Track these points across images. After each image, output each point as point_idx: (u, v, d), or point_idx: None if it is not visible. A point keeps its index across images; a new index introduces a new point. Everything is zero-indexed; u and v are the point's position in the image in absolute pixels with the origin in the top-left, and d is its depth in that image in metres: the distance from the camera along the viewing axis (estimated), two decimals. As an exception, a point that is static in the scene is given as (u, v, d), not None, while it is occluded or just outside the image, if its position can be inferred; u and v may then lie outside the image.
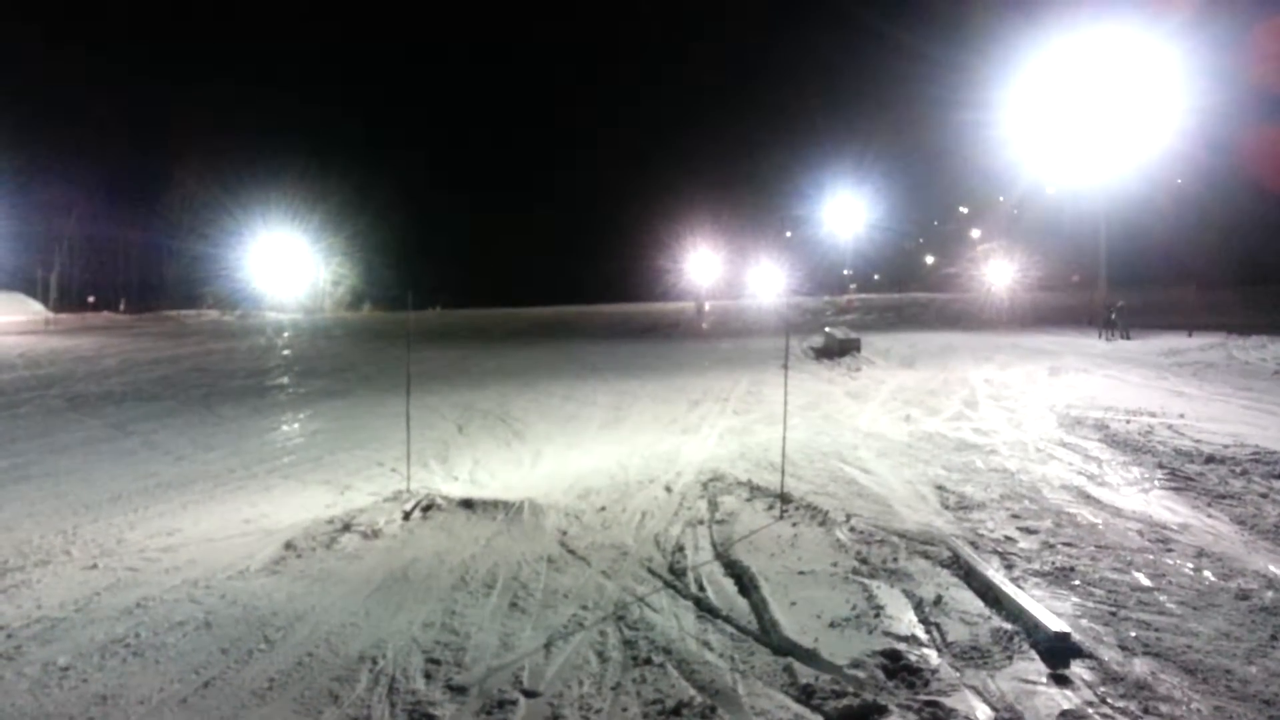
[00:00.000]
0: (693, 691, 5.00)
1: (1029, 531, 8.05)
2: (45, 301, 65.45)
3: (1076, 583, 6.65)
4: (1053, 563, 7.12)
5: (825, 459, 11.67)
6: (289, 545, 8.32)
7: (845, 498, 9.47)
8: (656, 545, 8.10)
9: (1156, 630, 5.71)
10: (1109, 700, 4.75)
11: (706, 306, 57.61)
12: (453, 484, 11.36)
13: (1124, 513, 8.63)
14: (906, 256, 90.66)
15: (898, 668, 5.18)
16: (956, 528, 8.16)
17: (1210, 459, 10.86)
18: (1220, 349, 24.68)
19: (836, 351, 26.91)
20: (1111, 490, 9.60)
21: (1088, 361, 23.55)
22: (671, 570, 7.36)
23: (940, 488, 9.87)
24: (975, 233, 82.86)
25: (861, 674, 5.10)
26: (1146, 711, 4.62)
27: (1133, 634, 5.64)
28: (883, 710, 4.63)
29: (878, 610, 6.06)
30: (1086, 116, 39.66)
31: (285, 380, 24.80)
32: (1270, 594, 6.35)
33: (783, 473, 9.94)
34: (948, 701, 4.73)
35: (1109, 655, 5.30)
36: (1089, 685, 4.94)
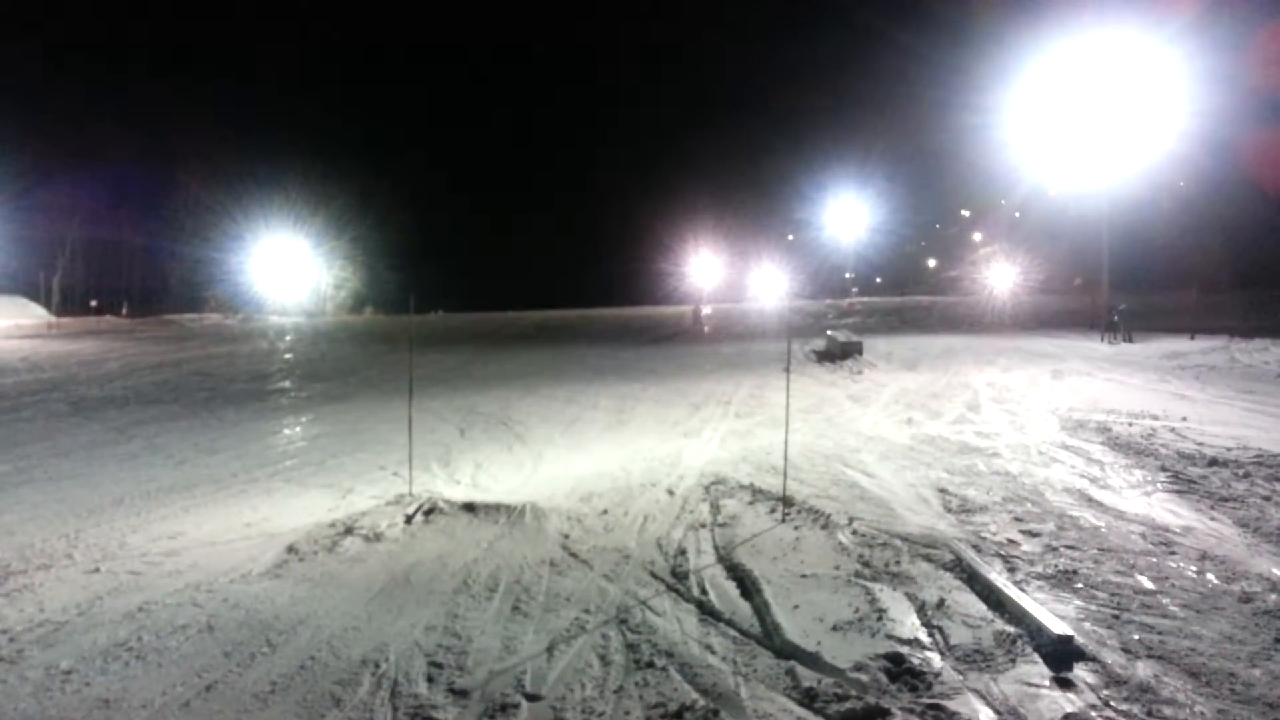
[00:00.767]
0: (695, 695, 5.00)
1: (1032, 534, 8.04)
2: (48, 305, 65.49)
3: (1079, 586, 6.64)
4: (1055, 566, 7.11)
5: (827, 462, 11.66)
6: (291, 549, 8.32)
7: (847, 501, 9.46)
8: (659, 548, 8.10)
9: (1160, 633, 5.70)
10: (1112, 703, 4.75)
11: (707, 310, 57.57)
12: (455, 487, 11.36)
13: (1127, 516, 8.62)
14: (908, 259, 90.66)
15: (900, 671, 5.17)
16: (959, 531, 8.15)
17: (1213, 462, 10.85)
18: (1223, 352, 24.67)
19: (838, 354, 26.88)
20: (1114, 493, 9.59)
21: (1090, 364, 23.53)
22: (674, 573, 7.35)
23: (943, 491, 9.87)
24: (977, 236, 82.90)
25: (864, 677, 5.10)
26: (1150, 714, 4.61)
27: (1136, 637, 5.63)
28: (885, 713, 4.63)
29: (880, 613, 6.06)
30: (1088, 119, 39.67)
31: (287, 384, 24.81)
32: (1274, 597, 6.34)
33: (785, 476, 9.94)
34: (950, 705, 4.73)
35: (1112, 658, 5.29)
36: (1092, 688, 4.93)
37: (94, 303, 71.35)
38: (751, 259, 72.24)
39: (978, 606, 6.24)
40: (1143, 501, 9.20)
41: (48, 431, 16.49)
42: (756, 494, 9.93)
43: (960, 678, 5.09)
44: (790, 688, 5.07)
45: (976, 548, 7.57)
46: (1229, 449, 11.58)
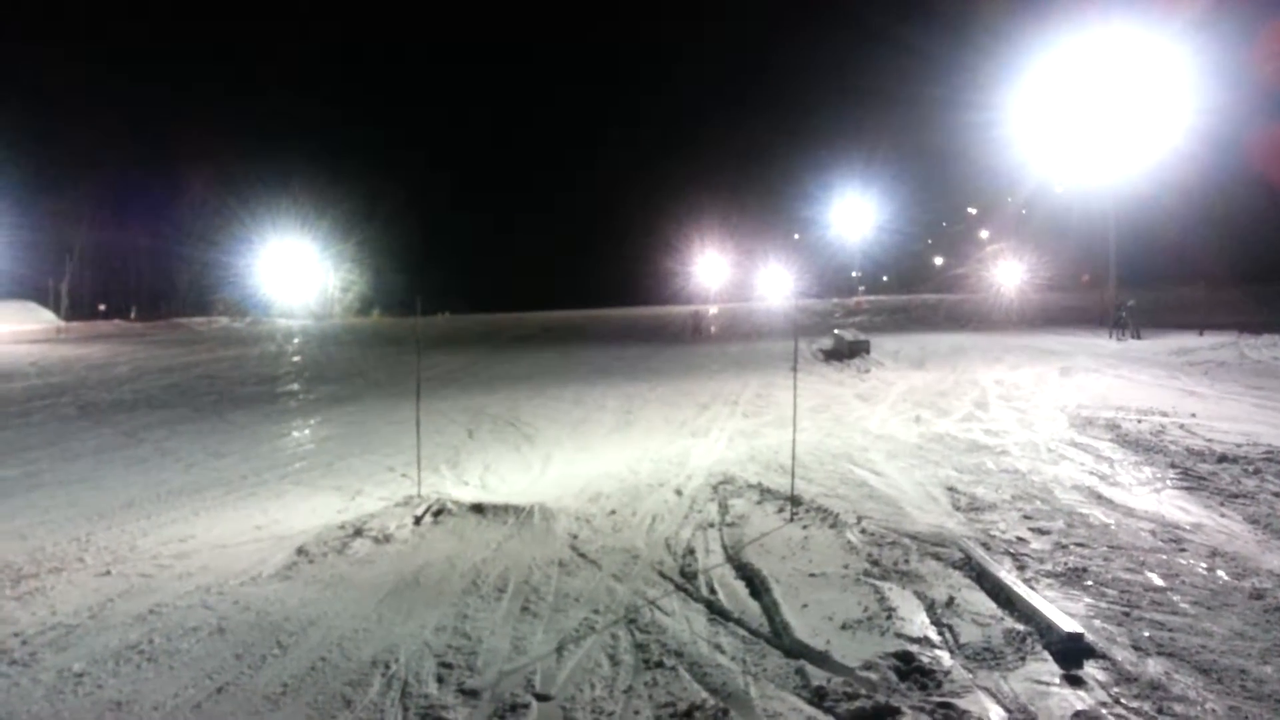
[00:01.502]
0: (705, 694, 5.00)
1: (1041, 532, 8.02)
2: (56, 310, 65.77)
3: (1089, 583, 6.63)
4: (1065, 563, 7.10)
5: (835, 461, 11.65)
6: (301, 551, 8.35)
7: (856, 500, 9.45)
8: (667, 548, 8.10)
9: (1170, 630, 5.68)
10: (1123, 701, 4.74)
11: (713, 309, 57.46)
12: (463, 489, 11.38)
13: (1136, 513, 8.59)
14: (915, 258, 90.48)
15: (910, 669, 5.17)
16: (968, 529, 8.14)
17: (1223, 458, 10.81)
18: (1232, 348, 24.58)
19: (846, 353, 26.87)
20: (1124, 490, 9.56)
21: (1098, 361, 23.46)
22: (682, 573, 7.36)
23: (951, 489, 9.85)
24: (984, 233, 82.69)
25: (874, 676, 5.09)
26: (1161, 712, 4.60)
27: (1146, 634, 5.62)
28: (895, 712, 4.62)
29: (889, 612, 6.05)
30: (1095, 116, 39.56)
31: (295, 386, 24.88)
32: (1285, 593, 6.32)
33: (793, 475, 9.93)
34: (960, 703, 4.72)
35: (1122, 655, 5.28)
36: (1102, 686, 4.92)
37: (102, 307, 71.67)
38: (758, 258, 72.26)
39: (987, 604, 6.23)
40: (1152, 498, 9.17)
41: (57, 436, 16.56)
42: (765, 493, 9.93)
43: (970, 676, 5.09)
44: (800, 686, 5.07)
45: (985, 546, 7.56)
46: (1239, 445, 11.54)
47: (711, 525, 8.80)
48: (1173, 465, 10.62)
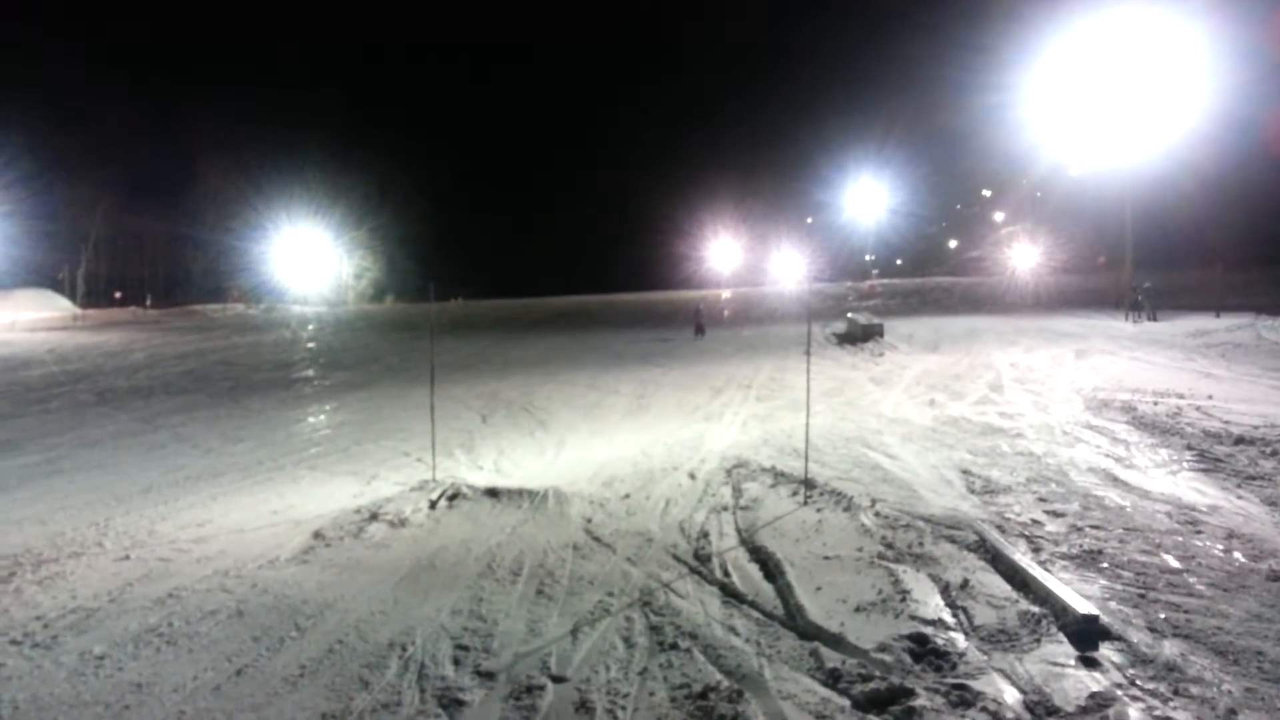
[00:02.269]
0: (719, 676, 5.02)
1: (1056, 515, 8.00)
2: (73, 298, 66.22)
3: (1105, 565, 6.61)
4: (1080, 545, 7.08)
5: (849, 444, 11.64)
6: (318, 535, 8.42)
7: (870, 483, 9.45)
8: (681, 532, 8.12)
9: (1186, 612, 5.67)
10: (1138, 682, 4.73)
11: (726, 294, 57.30)
12: (478, 473, 11.43)
13: (1152, 495, 8.56)
14: (929, 241, 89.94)
15: (924, 651, 5.17)
16: (983, 512, 8.13)
17: (1239, 440, 10.74)
18: (1249, 329, 24.38)
19: (859, 337, 26.79)
20: (1139, 472, 9.52)
21: (1114, 344, 23.33)
22: (696, 556, 7.38)
23: (966, 472, 9.83)
24: (998, 216, 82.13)
25: (888, 658, 5.10)
26: (1177, 693, 4.59)
27: (1162, 616, 5.61)
28: (910, 693, 4.63)
29: (904, 594, 6.05)
30: (1110, 96, 39.18)
31: (311, 373, 25.00)
32: (1302, 575, 6.29)
33: (806, 458, 9.93)
34: (975, 684, 4.73)
35: (1138, 637, 5.27)
36: (1118, 667, 4.91)
37: (118, 294, 72.10)
38: (771, 242, 72.03)
39: (1002, 587, 6.22)
40: (1168, 480, 9.13)
41: (76, 422, 16.70)
42: (778, 477, 9.93)
43: (985, 658, 5.09)
44: (814, 669, 5.09)
45: (1000, 528, 7.55)
46: (1256, 427, 11.46)
47: (725, 509, 8.81)
48: (1189, 447, 10.56)
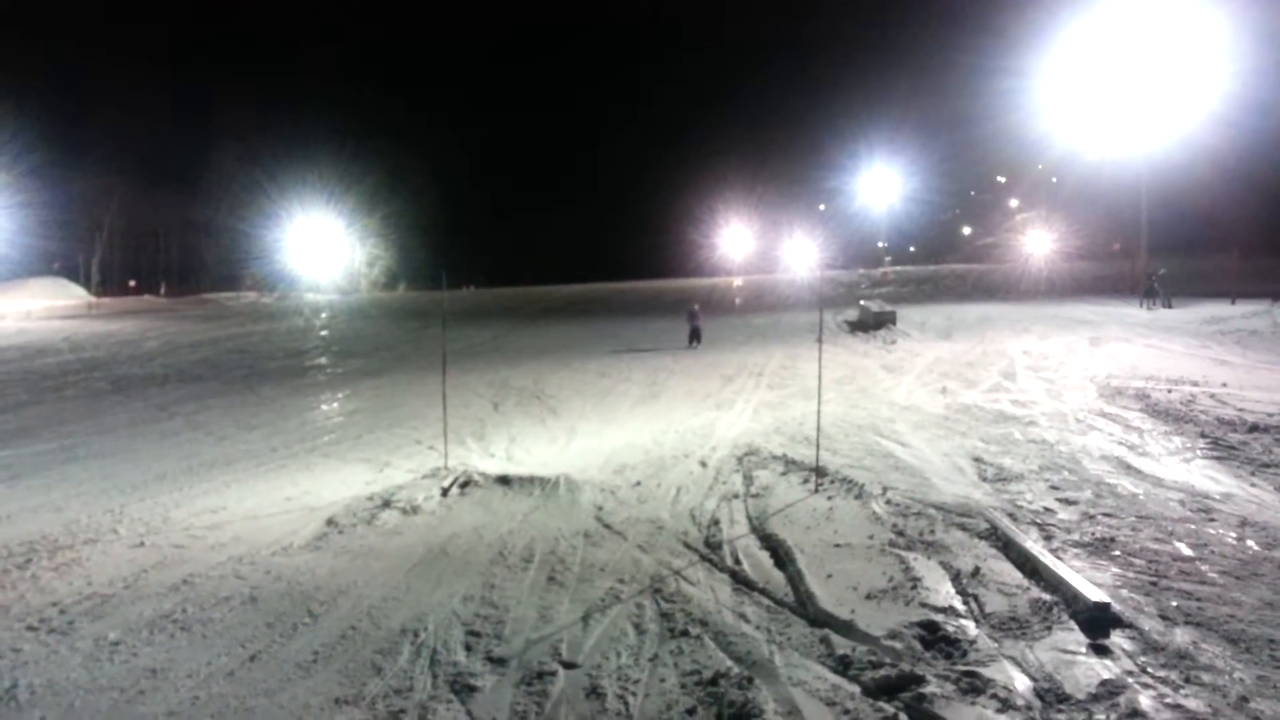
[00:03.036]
0: (730, 663, 5.04)
1: (1068, 503, 7.98)
2: (87, 286, 66.58)
3: (1117, 553, 6.59)
4: (1092, 533, 7.06)
5: (861, 432, 11.63)
6: (331, 522, 8.47)
7: (881, 471, 9.44)
8: (692, 519, 8.14)
9: (1198, 600, 5.65)
10: (1149, 670, 4.72)
11: (738, 282, 57.21)
12: (489, 461, 11.47)
13: (1165, 483, 8.52)
14: (942, 227, 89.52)
15: (935, 638, 5.17)
16: (994, 499, 8.11)
17: (1254, 428, 10.68)
18: (1264, 316, 24.16)
19: (871, 325, 26.72)
20: (1153, 460, 9.48)
21: (1129, 331, 23.19)
22: (707, 544, 7.39)
23: (978, 460, 9.81)
24: (1013, 202, 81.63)
25: (898, 645, 5.11)
26: (1188, 681, 4.58)
27: (1174, 604, 5.59)
28: (920, 680, 4.63)
29: (914, 582, 6.05)
30: (1126, 81, 38.84)
31: (324, 360, 25.10)
32: (1316, 563, 6.26)
33: (818, 446, 9.92)
34: (986, 672, 4.72)
35: (1150, 625, 5.26)
36: (1129, 655, 4.90)
37: (132, 282, 72.45)
38: (783, 229, 71.80)
39: (1013, 574, 6.21)
40: (1182, 468, 9.09)
41: (90, 410, 16.82)
42: (789, 465, 9.93)
43: (995, 645, 5.09)
44: (825, 655, 5.10)
45: (1012, 516, 7.53)
46: (1270, 414, 11.39)
47: (736, 496, 8.82)
48: (1203, 435, 10.51)
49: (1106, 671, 4.71)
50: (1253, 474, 8.75)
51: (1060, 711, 4.35)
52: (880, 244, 79.03)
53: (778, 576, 6.50)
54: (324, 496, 9.73)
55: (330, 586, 6.68)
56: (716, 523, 7.93)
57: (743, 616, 5.77)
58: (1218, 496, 7.98)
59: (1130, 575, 6.13)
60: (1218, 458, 9.46)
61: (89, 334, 33.26)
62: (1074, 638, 5.15)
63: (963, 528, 7.30)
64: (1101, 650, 4.97)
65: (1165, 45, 36.73)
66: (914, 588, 5.96)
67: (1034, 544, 6.69)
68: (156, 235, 77.54)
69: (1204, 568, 6.23)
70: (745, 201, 74.06)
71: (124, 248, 75.16)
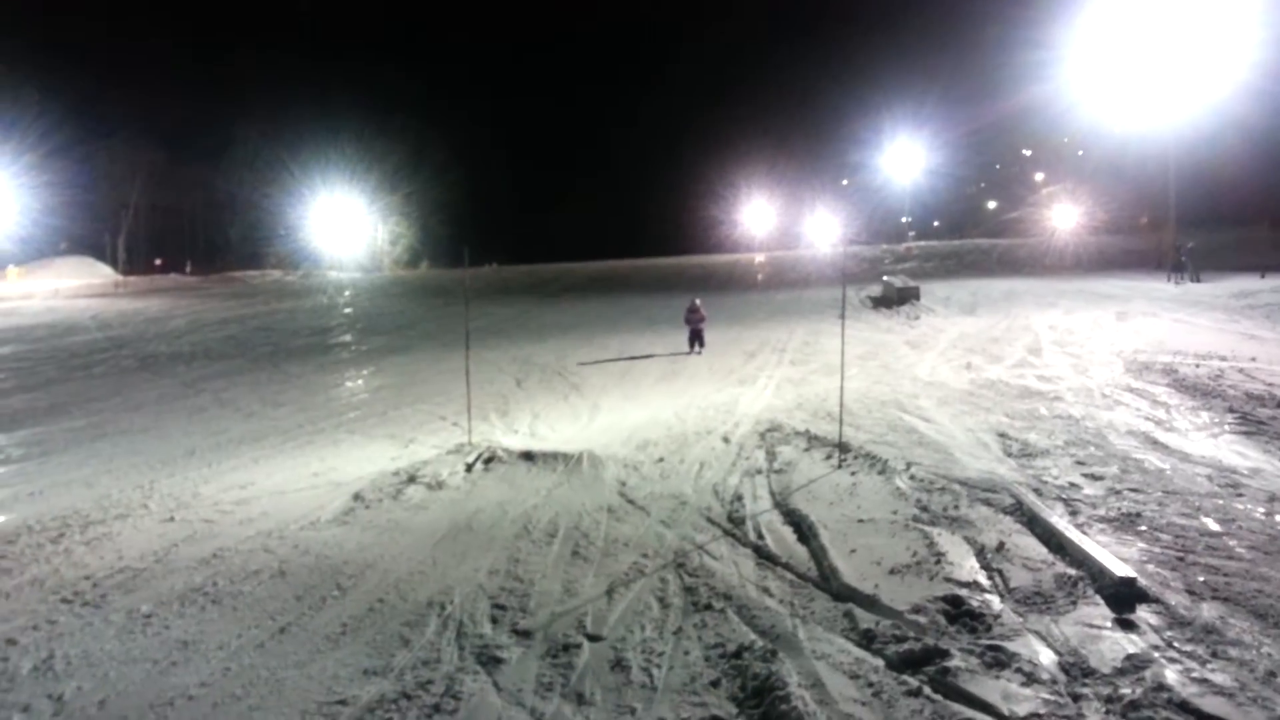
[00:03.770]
0: (753, 636, 5.06)
1: (1094, 478, 7.93)
2: (114, 264, 67.13)
3: (1143, 528, 6.56)
4: (1118, 509, 7.02)
5: (884, 408, 11.59)
6: (357, 497, 8.56)
7: (905, 446, 9.41)
8: (715, 495, 8.16)
9: (1226, 575, 5.61)
10: (1175, 644, 4.71)
11: (759, 258, 56.94)
12: (513, 437, 11.53)
13: (1192, 458, 8.45)
14: (967, 202, 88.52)
15: (959, 613, 5.18)
16: (1019, 475, 8.08)
17: (1284, 403, 10.55)
18: (1296, 290, 23.83)
19: (895, 300, 26.56)
20: (1180, 435, 9.40)
21: (1156, 305, 22.93)
22: (730, 519, 7.41)
23: (1003, 435, 9.76)
24: (1039, 175, 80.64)
25: (922, 619, 5.11)
26: (1215, 655, 4.57)
27: (1201, 579, 5.56)
28: (944, 654, 4.64)
29: (939, 557, 6.05)
30: (1153, 50, 38.17)
31: (348, 338, 25.25)
32: (1346, 539, 6.20)
33: (840, 422, 9.90)
34: (1010, 646, 4.73)
35: (1176, 600, 5.24)
36: (1155, 629, 4.89)
37: (159, 261, 72.99)
38: (805, 205, 71.31)
39: (1038, 550, 6.20)
40: (1209, 443, 9.01)
41: (119, 387, 17.02)
42: (812, 440, 9.92)
43: (1020, 619, 5.08)
44: (848, 629, 5.11)
45: (1037, 491, 7.50)
46: (1302, 389, 11.25)
47: (759, 472, 8.83)
48: (1231, 410, 10.40)
49: (1132, 646, 4.70)
50: (1282, 449, 8.65)
51: (1085, 685, 4.34)
52: (904, 219, 78.37)
53: (801, 551, 6.52)
54: (350, 472, 9.83)
55: (358, 560, 6.76)
56: (739, 498, 7.95)
57: (766, 591, 5.79)
58: (1245, 472, 7.91)
59: (1156, 550, 6.10)
60: (1246, 433, 9.37)
61: (116, 312, 33.58)
62: (1099, 612, 5.14)
63: (987, 503, 7.28)
64: (1127, 625, 4.96)
65: (1193, 13, 36.04)
66: (938, 563, 5.95)
67: (1059, 519, 6.67)
68: (182, 214, 78.04)
69: (1231, 543, 6.18)
70: (767, 177, 73.53)
71: (149, 226, 75.69)
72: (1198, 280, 29.08)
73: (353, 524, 7.78)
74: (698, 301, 19.97)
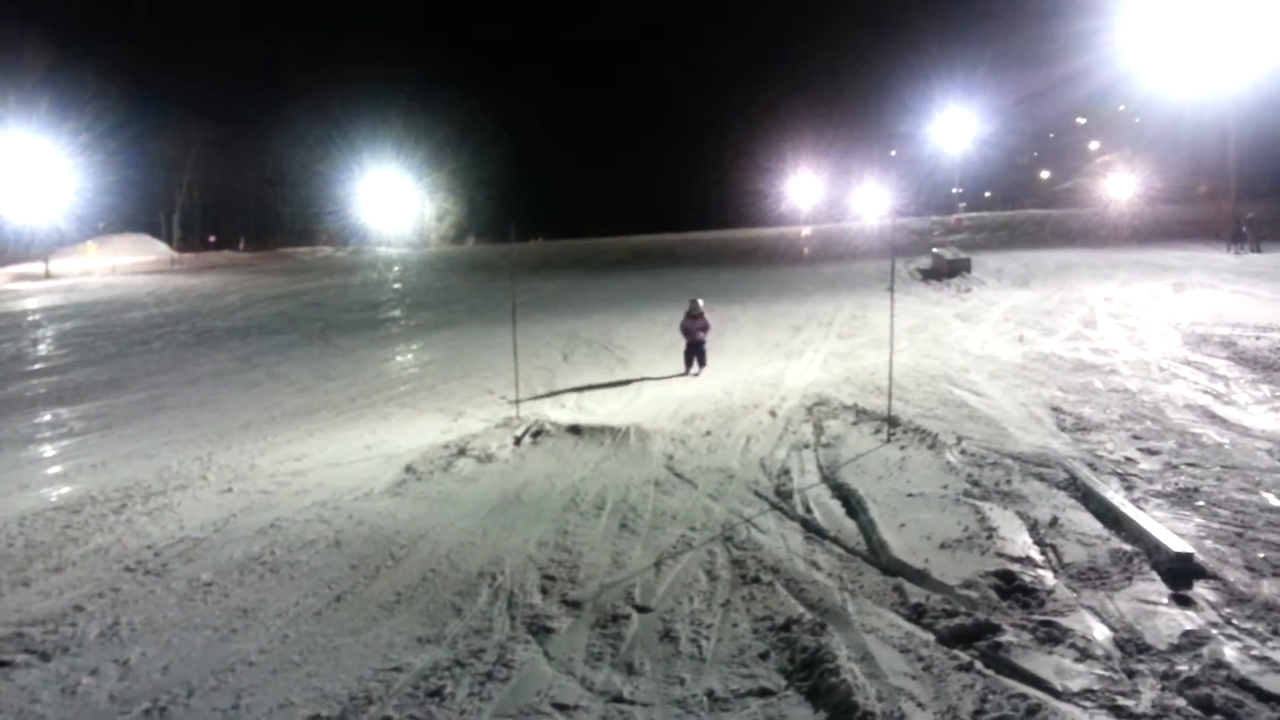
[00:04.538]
0: (802, 609, 5.06)
1: (1150, 452, 7.79)
2: (169, 242, 68.40)
3: (1201, 504, 6.43)
4: (1175, 484, 6.90)
5: (934, 382, 11.47)
6: (409, 469, 8.69)
7: (955, 421, 9.31)
8: (762, 469, 8.15)
9: (1287, 552, 5.49)
10: (1234, 621, 4.62)
11: (806, 231, 56.41)
12: (560, 410, 11.60)
13: (1252, 432, 8.26)
14: (1020, 172, 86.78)
15: (1011, 588, 5.13)
16: (1074, 449, 7.96)
17: (1351, 376, 10.26)
18: (1364, 260, 23.10)
19: (945, 272, 26.18)
20: (1239, 409, 9.19)
21: (1215, 277, 22.34)
22: (778, 493, 7.40)
23: (1056, 409, 9.61)
24: (1093, 144, 78.75)
25: (974, 594, 5.08)
26: (1275, 633, 4.48)
27: (1261, 555, 5.44)
28: (996, 629, 4.61)
29: (990, 532, 5.99)
30: (1212, 14, 36.94)
31: (397, 313, 25.52)
32: None
33: (890, 396, 9.82)
34: (1064, 621, 4.68)
35: (1235, 576, 5.14)
36: (1213, 606, 4.81)
37: (212, 238, 74.26)
38: (852, 176, 70.44)
39: (1093, 525, 6.11)
40: (1270, 417, 8.80)
41: (176, 362, 17.40)
42: (861, 414, 9.86)
43: (1074, 595, 5.03)
44: (898, 603, 5.09)
45: (1092, 466, 7.39)
46: (1369, 363, 10.92)
47: (806, 446, 8.80)
48: (1295, 384, 10.13)
49: (1189, 623, 4.63)
50: (1348, 424, 8.42)
51: (1141, 662, 4.29)
52: (954, 189, 77.10)
53: (849, 525, 6.50)
54: (401, 445, 9.97)
55: (410, 531, 6.87)
56: (787, 472, 7.94)
57: (814, 564, 5.78)
58: (1310, 447, 7.71)
59: (1215, 526, 5.98)
60: (1310, 407, 9.13)
61: (172, 288, 34.27)
62: (1155, 588, 5.06)
63: (1040, 478, 7.19)
64: (1184, 601, 4.88)
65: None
66: (990, 537, 5.90)
67: (1115, 494, 6.57)
68: (234, 191, 79.14)
69: (1294, 519, 6.04)
70: (813, 148, 72.67)
71: (202, 204, 76.91)
72: (1258, 251, 28.28)
73: (405, 495, 7.91)
74: (700, 303, 14.81)
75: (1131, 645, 4.44)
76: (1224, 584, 5.06)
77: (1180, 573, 5.19)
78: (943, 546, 5.85)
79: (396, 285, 34.83)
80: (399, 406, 12.46)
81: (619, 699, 4.28)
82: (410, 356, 17.50)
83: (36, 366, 17.19)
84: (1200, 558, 5.34)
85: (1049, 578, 5.26)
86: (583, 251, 50.83)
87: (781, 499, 7.24)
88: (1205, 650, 4.32)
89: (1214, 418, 8.90)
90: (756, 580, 5.56)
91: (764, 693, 4.26)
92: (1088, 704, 3.94)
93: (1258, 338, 13.18)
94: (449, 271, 41.66)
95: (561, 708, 4.22)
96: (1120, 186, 54.54)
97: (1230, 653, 4.28)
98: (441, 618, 5.29)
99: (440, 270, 42.44)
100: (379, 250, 62.42)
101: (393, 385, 14.19)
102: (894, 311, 11.00)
